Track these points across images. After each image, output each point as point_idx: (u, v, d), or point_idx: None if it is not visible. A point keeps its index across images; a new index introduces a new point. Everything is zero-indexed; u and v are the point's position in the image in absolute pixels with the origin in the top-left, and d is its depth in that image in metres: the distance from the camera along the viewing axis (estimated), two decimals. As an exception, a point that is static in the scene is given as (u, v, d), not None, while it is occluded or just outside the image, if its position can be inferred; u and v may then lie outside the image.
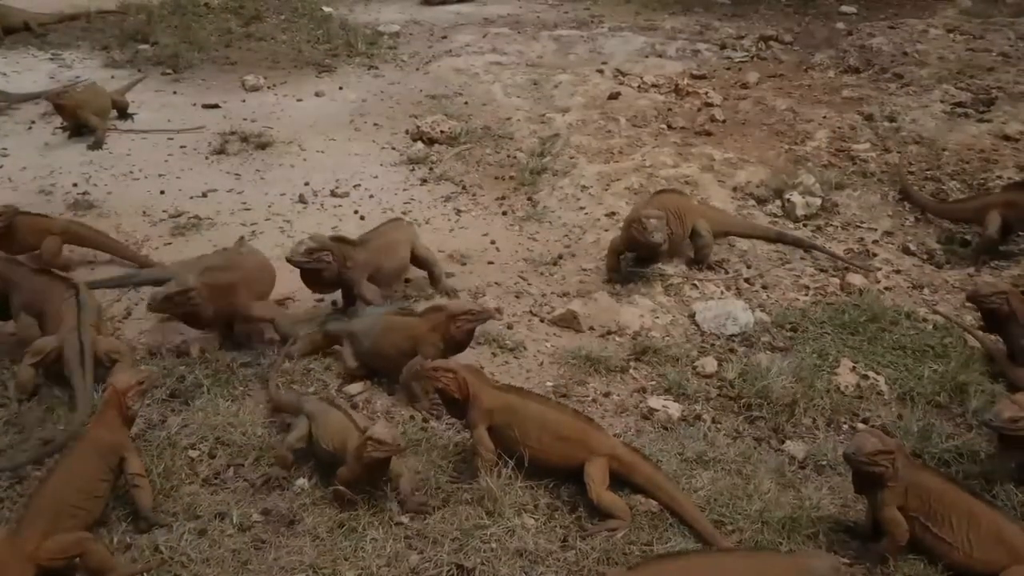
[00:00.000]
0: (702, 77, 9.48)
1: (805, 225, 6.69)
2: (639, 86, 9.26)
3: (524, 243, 6.49)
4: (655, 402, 4.78)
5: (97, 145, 7.67)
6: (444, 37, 10.90)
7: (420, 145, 7.88)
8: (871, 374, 5.01)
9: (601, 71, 9.67)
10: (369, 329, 4.92)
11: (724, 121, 8.39)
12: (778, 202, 6.92)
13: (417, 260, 5.68)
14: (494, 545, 3.83)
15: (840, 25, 11.25)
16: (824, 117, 8.37)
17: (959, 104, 8.39)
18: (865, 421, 4.73)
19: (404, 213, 6.81)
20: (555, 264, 6.19)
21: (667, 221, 5.72)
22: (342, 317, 5.23)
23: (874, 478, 3.83)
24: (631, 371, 5.10)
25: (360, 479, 3.96)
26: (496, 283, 5.93)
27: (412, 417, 4.64)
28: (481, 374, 4.39)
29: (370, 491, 4.00)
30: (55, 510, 3.55)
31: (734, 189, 7.14)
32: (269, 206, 6.87)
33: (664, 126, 8.28)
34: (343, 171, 7.46)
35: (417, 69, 9.87)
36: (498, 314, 5.48)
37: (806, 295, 5.86)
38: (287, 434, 4.28)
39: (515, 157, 7.75)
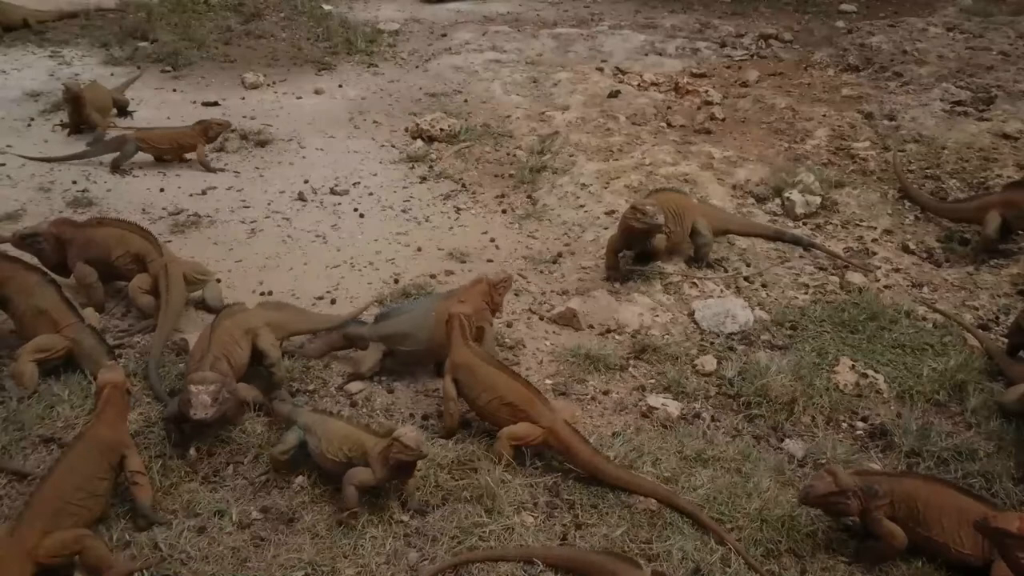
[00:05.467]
0: (702, 75, 9.49)
1: (804, 223, 6.70)
2: (639, 84, 9.26)
3: (523, 241, 6.49)
4: (654, 400, 4.78)
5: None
6: (444, 35, 10.91)
7: (420, 143, 7.89)
8: (870, 372, 5.01)
9: (601, 69, 9.68)
10: (421, 325, 4.90)
11: (724, 119, 8.39)
12: (777, 200, 6.92)
13: (256, 352, 4.73)
14: (493, 543, 3.83)
15: (840, 23, 11.26)
16: (824, 115, 8.38)
17: (959, 103, 8.39)
18: (864, 419, 4.73)
19: (403, 211, 6.82)
20: (554, 262, 6.19)
21: (666, 219, 5.71)
22: (363, 322, 5.15)
23: (843, 512, 3.87)
24: (630, 369, 5.10)
25: (383, 483, 3.93)
26: (495, 281, 5.92)
27: (412, 415, 4.64)
28: (464, 329, 4.57)
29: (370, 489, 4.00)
30: (55, 508, 3.55)
31: (733, 187, 7.14)
32: (268, 204, 6.88)
33: (664, 124, 8.29)
34: (342, 169, 7.47)
35: (417, 67, 9.88)
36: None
37: (805, 293, 5.86)
38: (274, 446, 4.23)
39: (515, 155, 7.75)
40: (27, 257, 5.35)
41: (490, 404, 4.37)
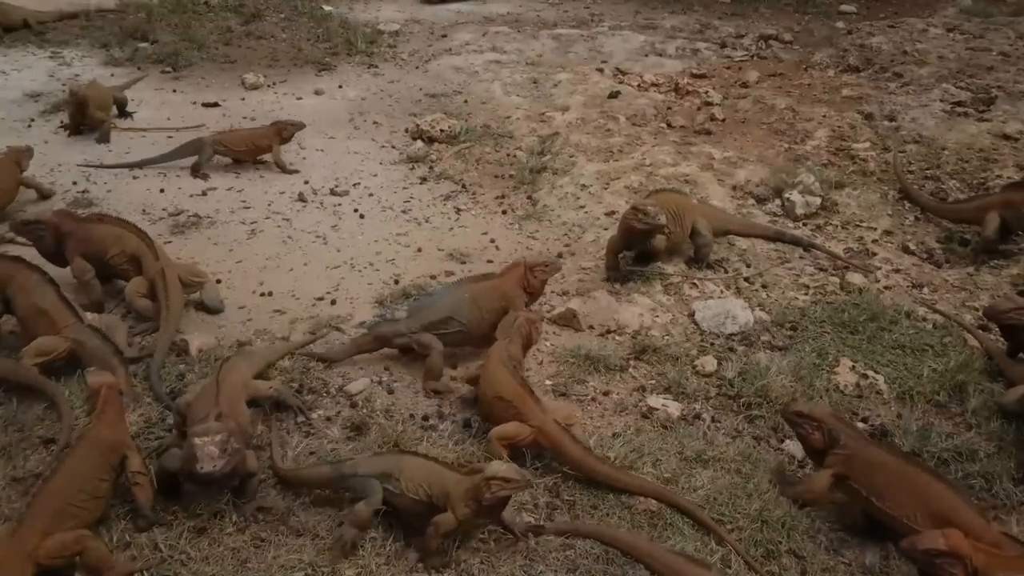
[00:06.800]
0: (702, 76, 9.49)
1: (805, 224, 6.70)
2: (639, 85, 9.27)
3: (524, 242, 6.49)
4: (655, 401, 4.78)
5: (104, 138, 7.69)
6: (444, 36, 10.92)
7: (420, 143, 7.89)
8: (870, 373, 5.01)
9: (601, 70, 9.68)
10: (459, 307, 4.96)
11: (724, 120, 8.39)
12: (778, 201, 6.92)
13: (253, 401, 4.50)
14: (493, 544, 3.83)
15: (840, 24, 11.27)
16: (824, 116, 8.38)
17: (959, 103, 8.40)
18: (864, 420, 4.73)
19: (404, 212, 6.82)
20: (555, 263, 6.18)
21: (666, 220, 5.71)
22: (393, 320, 5.13)
23: (804, 441, 4.14)
24: (630, 370, 5.10)
25: (466, 526, 3.73)
26: (496, 282, 5.92)
27: (412, 416, 4.64)
28: (515, 329, 4.65)
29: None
30: (56, 510, 3.54)
31: (734, 188, 7.15)
32: (269, 204, 6.87)
33: (664, 125, 8.29)
34: (343, 169, 7.47)
35: (417, 68, 9.88)
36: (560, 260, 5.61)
37: (806, 294, 5.86)
38: (356, 506, 3.81)
39: (515, 156, 7.75)
40: (32, 256, 5.37)
41: (486, 395, 4.42)
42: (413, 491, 3.78)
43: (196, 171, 7.23)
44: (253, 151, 7.41)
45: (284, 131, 7.45)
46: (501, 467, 3.66)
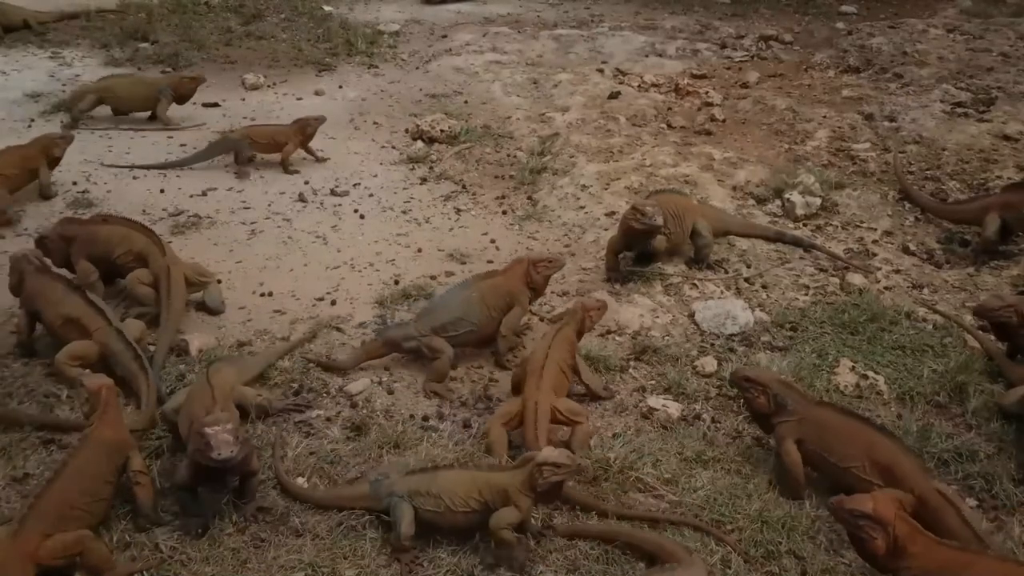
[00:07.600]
0: (702, 76, 9.50)
1: (805, 224, 6.70)
2: (639, 85, 9.27)
3: (524, 242, 6.49)
4: (655, 401, 4.78)
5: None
6: (444, 36, 10.92)
7: (420, 144, 7.90)
8: (870, 374, 5.00)
9: (601, 70, 9.69)
10: (469, 307, 4.99)
11: (724, 120, 8.39)
12: (778, 201, 6.92)
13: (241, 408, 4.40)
14: (492, 544, 3.82)
15: (840, 25, 11.28)
16: (824, 117, 8.38)
17: (959, 104, 8.40)
18: (864, 421, 4.73)
19: (404, 212, 6.83)
20: (555, 263, 6.18)
21: (666, 220, 5.71)
22: (401, 323, 5.14)
23: (751, 405, 4.32)
24: (631, 370, 5.10)
25: (528, 515, 3.76)
26: (496, 282, 5.91)
27: (412, 416, 4.64)
28: (571, 317, 4.81)
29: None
30: (59, 511, 3.54)
31: (734, 188, 7.15)
32: (269, 205, 6.88)
33: (664, 125, 8.29)
34: (343, 170, 7.47)
35: (417, 68, 9.89)
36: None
37: (806, 295, 5.86)
38: (396, 530, 3.77)
39: (515, 156, 7.76)
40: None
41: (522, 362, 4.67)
42: (462, 505, 3.75)
43: (240, 164, 7.29)
44: (273, 147, 7.42)
45: (308, 127, 7.46)
46: (552, 453, 3.71)
